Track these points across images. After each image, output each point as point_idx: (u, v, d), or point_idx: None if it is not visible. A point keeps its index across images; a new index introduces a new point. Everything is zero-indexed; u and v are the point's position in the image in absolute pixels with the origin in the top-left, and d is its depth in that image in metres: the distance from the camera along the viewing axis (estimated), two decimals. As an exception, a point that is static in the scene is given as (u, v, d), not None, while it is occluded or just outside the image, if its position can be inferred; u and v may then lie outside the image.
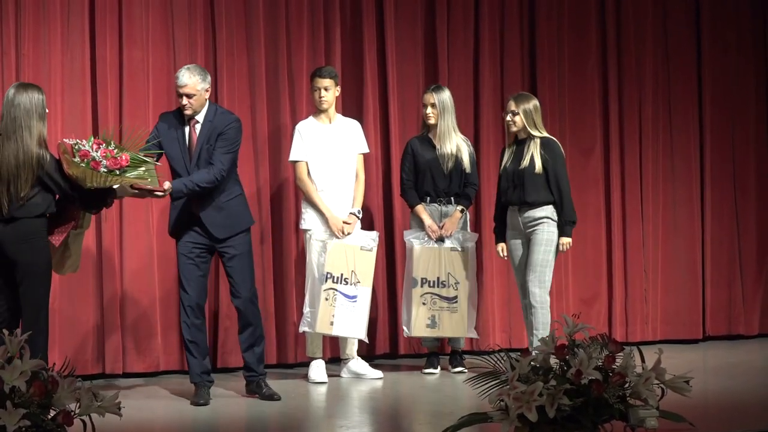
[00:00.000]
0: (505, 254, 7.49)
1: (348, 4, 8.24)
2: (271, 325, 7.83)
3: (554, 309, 7.30)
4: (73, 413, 4.31)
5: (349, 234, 7.42)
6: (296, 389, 7.14)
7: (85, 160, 5.94)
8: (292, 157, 7.51)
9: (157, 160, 6.41)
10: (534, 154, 7.24)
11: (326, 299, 7.30)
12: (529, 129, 7.27)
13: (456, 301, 7.61)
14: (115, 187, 6.15)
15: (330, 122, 7.52)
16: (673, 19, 9.02)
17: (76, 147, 5.97)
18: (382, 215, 8.23)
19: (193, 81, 6.63)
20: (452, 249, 7.63)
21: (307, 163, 7.46)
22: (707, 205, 9.04)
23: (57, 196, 6.08)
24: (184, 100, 6.64)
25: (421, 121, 7.81)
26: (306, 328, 7.38)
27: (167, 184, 6.42)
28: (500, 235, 7.50)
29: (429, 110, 7.64)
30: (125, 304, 7.61)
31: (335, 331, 7.35)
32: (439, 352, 7.89)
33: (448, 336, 7.71)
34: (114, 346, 7.56)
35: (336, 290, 7.33)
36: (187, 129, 6.71)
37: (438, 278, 7.61)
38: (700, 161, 9.06)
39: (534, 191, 7.22)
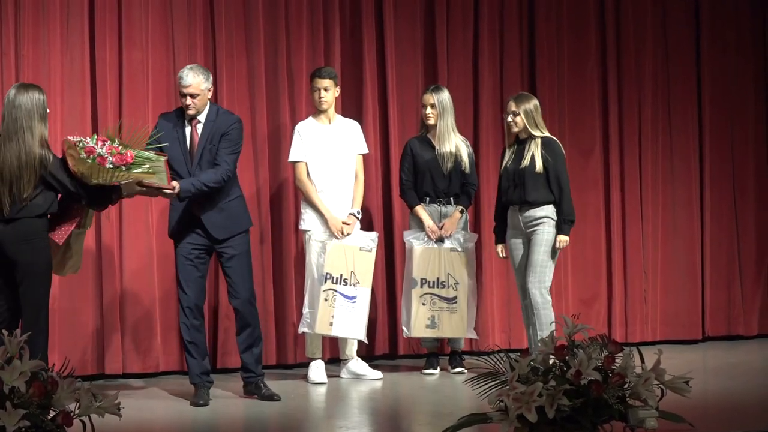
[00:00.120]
0: (504, 255, 7.49)
1: (347, 4, 8.24)
2: (270, 325, 7.84)
3: (554, 309, 7.30)
4: (72, 414, 4.31)
5: (348, 234, 7.42)
6: (296, 390, 7.14)
7: (91, 156, 5.94)
8: (292, 157, 7.51)
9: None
10: (535, 154, 7.24)
11: (325, 300, 7.30)
12: (530, 129, 7.27)
13: (455, 302, 7.61)
14: (122, 183, 6.15)
15: (329, 123, 7.53)
16: (672, 18, 9.02)
17: (81, 144, 5.98)
18: (382, 216, 8.23)
19: (197, 81, 6.64)
20: (452, 249, 7.64)
21: (306, 163, 7.46)
22: (706, 206, 9.04)
23: (60, 196, 6.08)
24: (188, 101, 6.64)
25: (420, 122, 7.81)
26: (305, 329, 7.38)
27: (175, 183, 6.43)
28: (500, 236, 7.50)
29: (428, 110, 7.64)
30: (125, 305, 7.61)
31: (334, 332, 7.36)
32: (439, 352, 7.89)
33: (448, 336, 7.71)
34: (114, 346, 7.56)
35: (335, 291, 7.33)
36: (188, 129, 6.71)
37: (438, 279, 7.62)
38: (699, 162, 9.06)
39: (534, 190, 7.22)
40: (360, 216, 7.55)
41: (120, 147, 6.04)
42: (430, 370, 7.69)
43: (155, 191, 6.41)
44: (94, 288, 7.55)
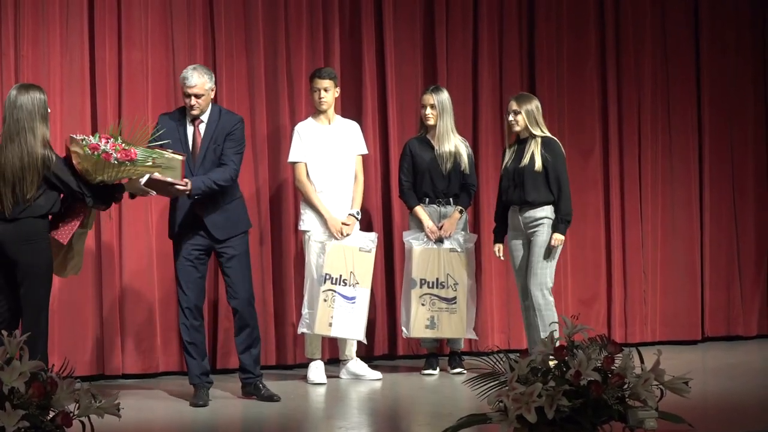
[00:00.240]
0: (502, 254, 7.48)
1: (347, 5, 8.24)
2: (270, 326, 7.84)
3: (556, 310, 7.31)
4: (72, 414, 4.31)
5: (348, 235, 7.42)
6: (295, 390, 7.14)
7: (96, 152, 5.95)
8: (291, 158, 7.52)
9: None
10: (535, 153, 7.24)
11: (325, 300, 7.30)
12: (531, 129, 7.28)
13: (455, 302, 7.61)
14: (126, 181, 6.17)
15: (329, 123, 7.53)
16: (671, 19, 9.02)
17: (84, 142, 5.99)
18: (381, 216, 8.23)
19: (201, 81, 6.65)
20: (451, 250, 7.63)
21: (306, 164, 7.46)
22: (706, 207, 9.05)
23: (62, 195, 6.08)
24: (192, 101, 6.65)
25: (420, 122, 7.81)
26: (305, 330, 7.38)
27: (187, 180, 6.45)
28: (499, 236, 7.50)
29: (428, 111, 7.64)
30: (125, 305, 7.61)
31: (334, 333, 7.35)
32: (438, 353, 7.89)
33: (447, 337, 7.71)
34: (113, 347, 7.56)
35: (335, 291, 7.33)
36: (190, 129, 6.72)
37: (437, 279, 7.62)
38: (698, 162, 9.06)
39: (534, 190, 7.22)
40: (359, 217, 7.55)
41: (123, 144, 6.06)
42: (430, 371, 7.69)
43: (167, 187, 6.41)
44: (94, 288, 7.55)
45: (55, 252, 6.10)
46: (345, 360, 7.58)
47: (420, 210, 7.67)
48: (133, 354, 7.61)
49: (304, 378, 7.46)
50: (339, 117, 7.62)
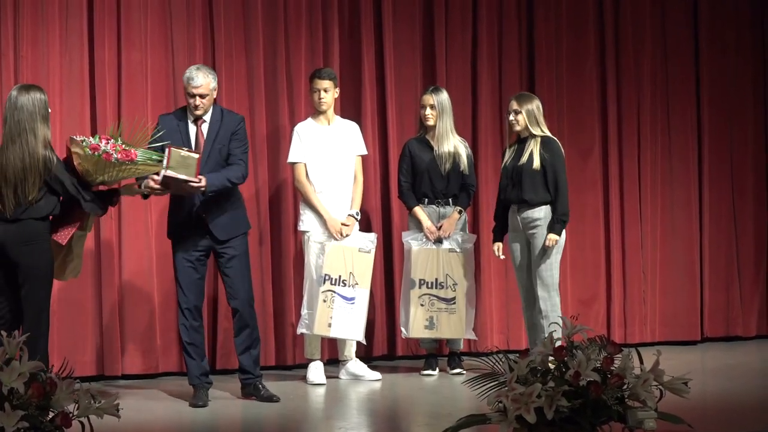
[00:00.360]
0: (501, 253, 7.47)
1: (346, 6, 8.24)
2: (269, 326, 7.84)
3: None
4: (71, 415, 4.31)
5: (347, 236, 7.42)
6: (295, 391, 7.14)
7: (96, 152, 5.96)
8: (291, 158, 7.52)
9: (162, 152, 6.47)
10: (533, 152, 7.24)
11: (324, 301, 7.30)
12: (531, 128, 7.27)
13: (454, 303, 7.61)
14: (121, 185, 6.18)
15: (329, 124, 7.53)
16: (671, 19, 9.02)
17: (85, 143, 6.00)
18: (380, 217, 8.23)
19: (206, 81, 6.67)
20: (450, 250, 7.64)
21: (305, 164, 7.46)
22: (705, 207, 9.05)
23: (61, 198, 6.08)
24: (197, 101, 6.66)
25: (419, 123, 7.81)
26: (304, 330, 7.38)
27: (202, 177, 6.47)
28: (498, 235, 7.49)
29: (428, 111, 7.64)
30: (124, 306, 7.61)
31: (333, 333, 7.35)
32: (438, 353, 7.89)
33: (446, 337, 7.72)
34: (113, 347, 7.56)
35: (334, 292, 7.33)
36: (193, 129, 6.72)
37: (436, 279, 7.62)
38: (698, 163, 9.06)
39: (531, 189, 7.21)
40: (359, 217, 7.55)
41: (123, 145, 6.07)
42: (429, 371, 7.69)
43: (182, 185, 6.44)
44: (94, 289, 7.55)
45: (55, 254, 6.10)
46: (344, 360, 7.58)
47: (419, 210, 7.67)
48: (133, 354, 7.61)
49: (304, 378, 7.46)
50: (338, 117, 7.63)
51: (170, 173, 6.39)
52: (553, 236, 7.16)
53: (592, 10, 8.81)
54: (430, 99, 7.65)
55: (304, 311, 7.38)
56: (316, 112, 7.52)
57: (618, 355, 4.62)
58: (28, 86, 6.14)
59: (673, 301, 8.91)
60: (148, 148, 6.33)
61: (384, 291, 8.21)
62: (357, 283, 7.39)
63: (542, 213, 7.23)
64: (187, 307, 6.71)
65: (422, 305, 7.60)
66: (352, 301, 7.37)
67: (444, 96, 7.67)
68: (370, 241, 7.51)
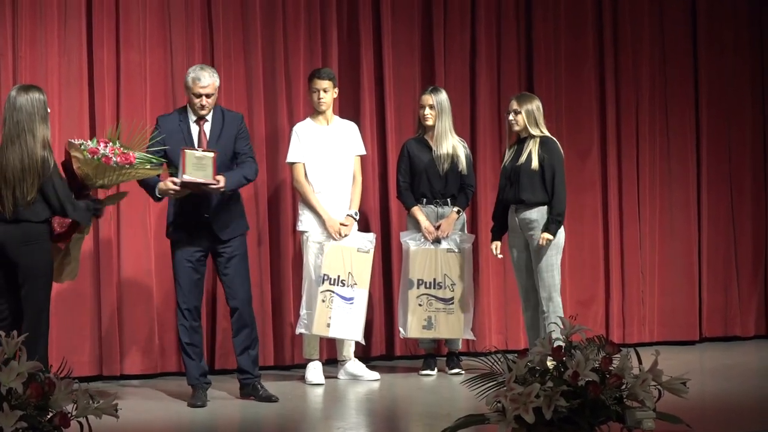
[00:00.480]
0: (499, 252, 7.46)
1: (345, 6, 8.24)
2: (268, 326, 7.83)
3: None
4: (70, 415, 4.31)
5: (346, 236, 7.42)
6: (293, 391, 7.14)
7: (96, 156, 5.97)
8: (290, 158, 7.52)
9: (161, 156, 6.47)
10: (532, 152, 7.23)
11: (323, 301, 7.30)
12: (530, 129, 7.27)
13: (452, 303, 7.61)
14: (105, 196, 6.17)
15: (327, 124, 7.53)
16: (669, 19, 9.02)
17: (83, 147, 6.00)
18: (379, 217, 8.23)
19: (212, 80, 6.70)
20: (448, 250, 7.64)
21: (304, 164, 7.46)
22: (704, 208, 9.05)
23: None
24: (204, 101, 6.67)
25: (418, 123, 7.81)
26: (303, 330, 7.38)
27: (220, 177, 6.49)
28: (496, 234, 7.48)
29: (427, 111, 7.64)
30: (123, 306, 7.61)
31: (332, 333, 7.35)
32: (436, 353, 7.89)
33: (444, 337, 7.72)
34: (111, 347, 7.56)
35: (333, 292, 7.33)
36: (195, 129, 6.72)
37: (434, 279, 7.62)
38: (696, 164, 9.06)
39: (528, 189, 7.20)
40: (357, 217, 7.55)
41: (122, 148, 6.07)
42: (428, 371, 7.69)
43: (200, 187, 6.47)
44: (92, 289, 7.55)
45: (53, 257, 6.11)
46: (343, 360, 7.58)
47: (417, 210, 7.67)
48: (132, 355, 7.61)
49: (302, 378, 7.46)
50: (337, 118, 7.63)
51: (188, 178, 6.41)
52: (546, 235, 7.13)
53: (590, 11, 8.81)
54: (429, 99, 7.65)
55: (302, 311, 7.38)
56: (314, 112, 7.52)
57: (616, 355, 4.62)
58: (27, 86, 6.15)
59: (672, 301, 8.91)
60: (147, 151, 6.33)
61: (382, 291, 8.21)
62: (356, 283, 7.39)
63: (540, 214, 7.22)
64: (186, 308, 6.71)
65: (420, 305, 7.60)
66: (350, 301, 7.37)
67: (443, 96, 7.67)
68: (368, 241, 7.51)
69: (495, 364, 4.71)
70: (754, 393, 6.87)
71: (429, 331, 7.63)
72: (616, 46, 8.86)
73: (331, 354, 7.78)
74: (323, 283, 7.31)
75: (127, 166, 6.08)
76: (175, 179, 6.47)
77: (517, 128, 7.32)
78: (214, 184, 6.50)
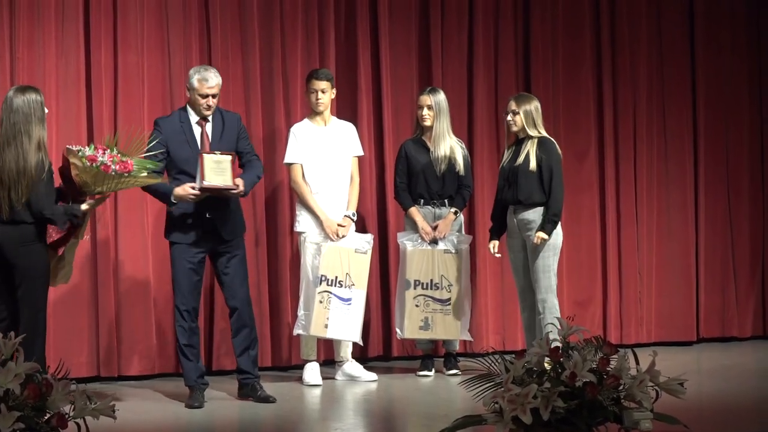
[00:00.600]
0: (496, 251, 7.45)
1: (342, 7, 8.24)
2: (265, 327, 7.83)
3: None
4: (67, 416, 4.30)
5: (343, 237, 7.42)
6: (291, 392, 7.13)
7: (94, 164, 5.97)
8: (287, 159, 7.52)
9: (160, 160, 6.47)
10: (530, 152, 7.24)
11: (321, 302, 7.30)
12: (528, 129, 7.27)
13: (449, 304, 7.61)
14: (85, 205, 6.14)
15: (325, 125, 7.53)
16: (667, 20, 9.02)
17: (81, 153, 5.99)
18: (376, 218, 8.23)
19: (218, 80, 6.77)
20: (445, 251, 7.64)
21: (301, 165, 7.46)
22: (701, 209, 9.05)
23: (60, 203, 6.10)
24: (210, 101, 6.68)
25: (415, 123, 7.81)
26: (300, 331, 7.38)
27: (239, 181, 6.53)
28: (495, 233, 7.47)
29: (425, 111, 7.64)
30: (120, 307, 7.61)
31: (330, 334, 7.35)
32: (434, 354, 7.89)
33: (441, 338, 7.72)
34: (109, 348, 7.56)
35: (330, 293, 7.33)
36: (197, 130, 6.72)
37: (431, 280, 7.62)
38: (694, 165, 9.06)
39: (526, 189, 7.20)
40: (355, 218, 7.55)
41: (120, 155, 6.07)
42: (425, 372, 7.69)
43: (221, 192, 6.53)
44: (89, 290, 7.55)
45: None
46: (340, 361, 7.58)
47: (415, 211, 7.67)
48: (129, 356, 7.60)
49: (300, 379, 7.46)
50: (335, 118, 7.63)
51: (208, 184, 6.43)
52: (541, 234, 7.12)
53: (588, 12, 8.81)
54: (427, 99, 7.65)
55: (300, 312, 7.38)
56: (312, 113, 7.52)
57: (614, 356, 4.62)
58: (25, 87, 6.15)
59: (669, 302, 8.91)
60: (145, 157, 6.32)
61: (380, 292, 8.21)
62: (353, 284, 7.39)
63: (538, 214, 7.22)
64: (186, 309, 6.70)
65: (417, 306, 7.60)
66: (348, 302, 7.37)
67: (441, 97, 7.67)
68: (366, 242, 7.51)
69: (492, 364, 4.70)
70: (752, 394, 6.88)
71: (425, 332, 7.62)
72: (613, 47, 8.87)
73: (328, 355, 7.79)
74: (321, 284, 7.31)
75: (126, 174, 6.07)
76: (194, 185, 6.49)
77: (515, 129, 7.32)
78: (234, 189, 6.53)
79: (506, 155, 7.41)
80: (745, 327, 9.14)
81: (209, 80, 6.67)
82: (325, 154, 7.46)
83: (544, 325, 7.06)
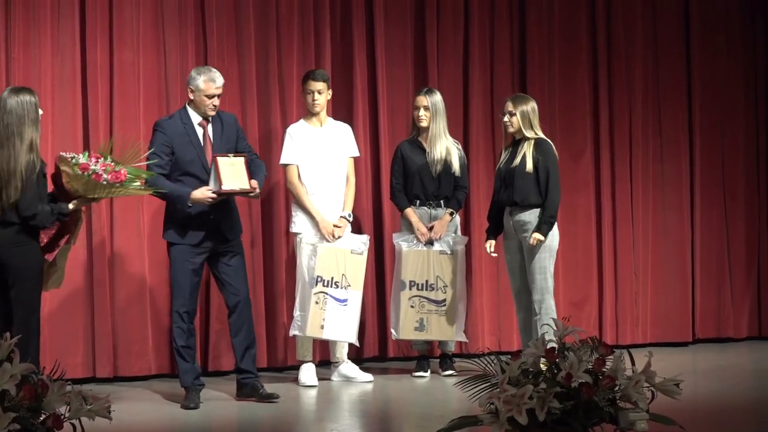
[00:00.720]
0: (492, 250, 7.45)
1: (338, 8, 8.24)
2: (261, 328, 7.83)
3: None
4: (63, 417, 4.30)
5: (339, 237, 7.42)
6: (287, 392, 7.13)
7: (86, 172, 5.96)
8: (283, 160, 7.52)
9: (165, 162, 6.48)
10: (527, 154, 7.24)
11: (317, 303, 7.30)
12: (524, 130, 7.27)
13: (444, 304, 7.61)
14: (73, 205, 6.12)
15: (321, 125, 7.53)
16: (662, 23, 9.03)
17: (74, 161, 5.98)
18: (372, 219, 8.23)
19: (223, 81, 6.80)
20: (441, 252, 7.64)
21: (297, 166, 7.46)
22: (697, 210, 9.06)
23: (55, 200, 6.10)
24: (216, 101, 6.69)
25: (412, 124, 7.81)
26: (296, 332, 7.38)
27: (255, 183, 6.61)
28: (491, 233, 7.47)
29: (422, 112, 7.64)
30: (116, 308, 7.60)
31: (326, 335, 7.35)
32: (429, 355, 7.89)
33: (436, 339, 7.72)
34: (104, 349, 7.55)
35: (326, 294, 7.33)
36: (200, 131, 6.73)
37: (426, 281, 7.62)
38: (690, 167, 9.07)
39: (522, 191, 7.21)
40: (351, 219, 7.55)
41: (113, 164, 6.05)
42: (421, 373, 7.69)
43: (238, 195, 6.56)
44: (85, 290, 7.54)
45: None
46: (336, 362, 7.58)
47: (411, 212, 7.67)
48: (125, 357, 7.60)
49: (296, 380, 7.46)
50: (331, 119, 7.63)
51: (227, 188, 6.49)
52: (537, 235, 7.12)
53: (584, 14, 8.82)
54: (423, 100, 7.65)
55: (296, 313, 7.37)
56: (308, 113, 7.52)
57: (609, 357, 4.62)
58: (19, 89, 6.14)
59: (665, 302, 8.92)
60: (138, 165, 6.31)
61: (375, 293, 8.21)
62: (349, 285, 7.39)
63: (534, 216, 7.22)
64: (185, 311, 6.70)
65: (412, 307, 7.60)
66: (344, 303, 7.36)
67: (438, 97, 7.67)
68: (362, 242, 7.51)
69: (488, 365, 4.71)
70: (747, 394, 6.88)
71: (421, 333, 7.62)
72: (609, 50, 8.87)
73: (324, 356, 7.79)
74: (317, 284, 7.31)
75: (117, 184, 6.05)
76: (211, 188, 6.50)
77: (511, 130, 7.33)
78: (251, 192, 6.55)
79: (503, 156, 7.42)
80: (741, 327, 9.15)
81: (216, 81, 6.70)
82: (321, 155, 7.46)
83: (541, 326, 7.07)
